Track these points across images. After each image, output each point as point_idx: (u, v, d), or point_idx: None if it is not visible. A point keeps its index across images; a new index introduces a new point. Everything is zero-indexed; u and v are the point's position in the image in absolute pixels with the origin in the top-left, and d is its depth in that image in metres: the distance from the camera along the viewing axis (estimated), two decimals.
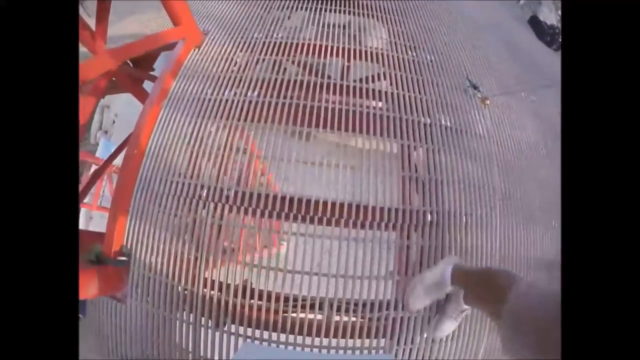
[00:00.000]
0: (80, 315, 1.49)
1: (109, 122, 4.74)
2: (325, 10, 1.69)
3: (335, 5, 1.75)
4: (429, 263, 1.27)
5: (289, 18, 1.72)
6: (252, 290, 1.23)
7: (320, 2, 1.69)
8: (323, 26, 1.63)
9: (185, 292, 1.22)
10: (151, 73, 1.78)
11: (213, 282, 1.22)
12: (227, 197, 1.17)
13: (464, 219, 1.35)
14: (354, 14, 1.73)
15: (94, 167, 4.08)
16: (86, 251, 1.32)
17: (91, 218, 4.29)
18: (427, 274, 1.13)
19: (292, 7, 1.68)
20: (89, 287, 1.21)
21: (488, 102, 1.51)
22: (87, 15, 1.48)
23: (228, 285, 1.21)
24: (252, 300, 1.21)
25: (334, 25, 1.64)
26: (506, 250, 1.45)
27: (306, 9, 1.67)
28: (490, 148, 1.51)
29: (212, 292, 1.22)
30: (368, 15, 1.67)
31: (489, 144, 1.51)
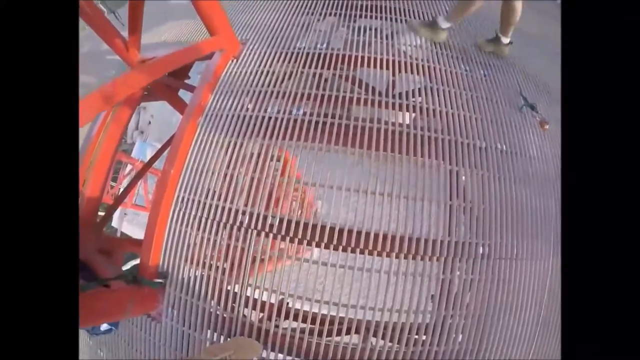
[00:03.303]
0: (113, 328, 1.49)
1: (145, 122, 4.79)
2: (359, 17, 1.59)
3: (371, 12, 1.64)
4: (476, 298, 1.20)
5: (318, 21, 1.62)
6: (289, 312, 1.19)
7: (355, 8, 1.58)
8: (356, 30, 1.52)
9: (224, 316, 1.19)
10: (186, 81, 1.71)
11: (252, 301, 1.17)
12: (272, 226, 1.11)
13: (515, 252, 1.27)
14: (388, 19, 1.61)
15: (129, 167, 4.14)
16: (119, 262, 1.30)
17: (125, 214, 4.40)
18: None
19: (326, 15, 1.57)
20: (125, 309, 1.20)
21: (547, 127, 1.38)
22: (121, 24, 1.41)
23: (265, 306, 1.17)
24: (292, 324, 1.17)
25: (367, 29, 1.54)
26: (557, 282, 1.37)
27: (340, 15, 1.56)
28: (547, 171, 1.40)
29: (252, 315, 1.18)
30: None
31: (545, 166, 1.40)
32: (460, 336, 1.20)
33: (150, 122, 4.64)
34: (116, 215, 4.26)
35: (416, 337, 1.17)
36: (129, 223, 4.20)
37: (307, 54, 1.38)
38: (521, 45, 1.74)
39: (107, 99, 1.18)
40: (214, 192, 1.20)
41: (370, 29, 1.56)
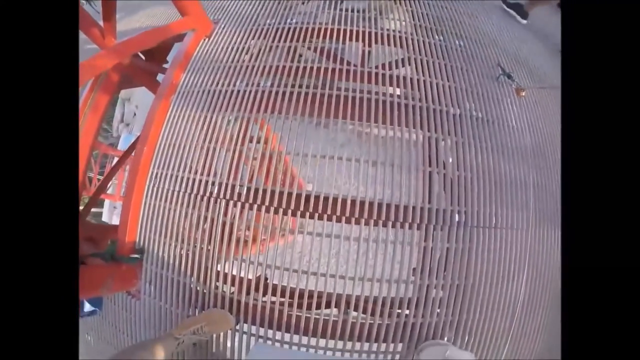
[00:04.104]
0: (97, 310, 1.51)
1: (130, 114, 4.84)
2: None
3: None
4: (454, 267, 1.17)
5: (303, 3, 1.62)
6: (266, 285, 1.19)
7: None
8: (340, 10, 1.51)
9: (198, 289, 1.20)
10: (165, 66, 1.73)
11: (226, 275, 1.18)
12: (239, 195, 1.11)
13: (494, 220, 1.24)
14: None
15: (116, 160, 4.20)
16: (102, 249, 1.32)
17: (115, 208, 4.46)
18: (452, 350, 1.08)
19: None
20: (103, 286, 1.21)
21: (524, 93, 1.35)
22: (96, 12, 1.44)
23: (241, 280, 1.17)
24: (265, 298, 1.17)
25: (351, 10, 1.52)
26: (538, 254, 1.33)
27: None
28: (524, 140, 1.37)
29: (224, 290, 1.18)
30: None
31: (522, 135, 1.37)
32: (439, 307, 1.18)
33: (135, 114, 4.70)
34: (106, 209, 4.34)
35: (391, 309, 1.15)
36: (119, 216, 4.24)
37: (278, 28, 1.38)
38: (504, 22, 1.71)
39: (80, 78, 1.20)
40: (186, 165, 1.21)
41: (357, 11, 1.54)
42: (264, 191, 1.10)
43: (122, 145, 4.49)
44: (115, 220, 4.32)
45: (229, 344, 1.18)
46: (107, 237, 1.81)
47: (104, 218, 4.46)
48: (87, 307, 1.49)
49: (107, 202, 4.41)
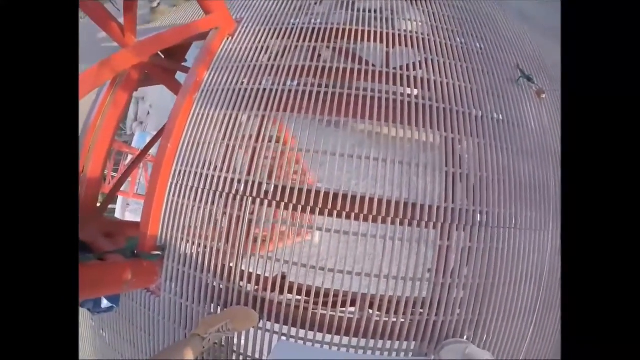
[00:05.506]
0: (114, 306, 1.50)
1: (144, 113, 4.85)
2: None
3: None
4: (474, 266, 1.19)
5: (318, 4, 1.63)
6: (287, 283, 1.20)
7: None
8: (358, 11, 1.52)
9: (220, 287, 1.20)
10: (183, 64, 1.74)
11: (250, 275, 1.18)
12: (266, 192, 1.12)
13: (514, 220, 1.25)
14: None
15: (130, 157, 4.20)
16: (122, 244, 1.32)
17: (128, 205, 4.46)
18: (472, 349, 1.09)
19: None
20: (122, 282, 1.21)
21: (544, 95, 1.37)
22: (117, 10, 1.43)
23: (263, 278, 1.18)
24: (288, 296, 1.18)
25: (367, 10, 1.53)
26: (556, 256, 1.35)
27: None
28: (544, 142, 1.39)
29: (248, 286, 1.19)
30: None
31: (543, 138, 1.38)
32: (459, 306, 1.19)
33: (149, 113, 4.71)
34: (118, 205, 4.34)
35: (413, 308, 1.16)
36: (131, 213, 4.28)
37: (302, 28, 1.39)
38: (519, 23, 1.74)
39: (101, 75, 1.20)
40: (210, 163, 1.22)
41: (370, 11, 1.54)
42: (291, 190, 1.10)
43: (136, 143, 4.49)
44: (128, 217, 4.31)
45: (250, 341, 1.19)
46: (124, 232, 1.81)
47: (117, 214, 4.45)
48: (105, 303, 1.49)
49: (120, 199, 4.41)
